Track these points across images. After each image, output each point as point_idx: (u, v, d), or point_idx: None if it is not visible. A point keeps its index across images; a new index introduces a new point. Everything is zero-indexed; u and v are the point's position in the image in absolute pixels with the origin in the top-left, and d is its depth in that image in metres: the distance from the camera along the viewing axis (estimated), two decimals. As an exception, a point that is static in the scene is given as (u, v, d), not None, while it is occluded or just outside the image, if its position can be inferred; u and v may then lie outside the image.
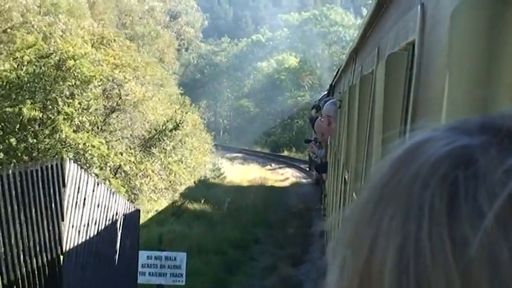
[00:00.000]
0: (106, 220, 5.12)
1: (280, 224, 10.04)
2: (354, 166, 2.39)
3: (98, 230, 4.86)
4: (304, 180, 16.27)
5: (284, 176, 17.67)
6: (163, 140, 10.85)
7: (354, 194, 2.41)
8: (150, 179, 10.36)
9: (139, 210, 7.02)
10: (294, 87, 30.45)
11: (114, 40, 11.09)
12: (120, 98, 10.03)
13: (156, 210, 11.27)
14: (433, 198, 0.28)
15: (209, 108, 36.22)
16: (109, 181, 9.23)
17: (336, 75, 6.62)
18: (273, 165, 20.74)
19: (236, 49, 37.07)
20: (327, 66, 28.65)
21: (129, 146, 10.32)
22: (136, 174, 10.01)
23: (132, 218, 6.28)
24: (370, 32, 2.46)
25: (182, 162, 12.10)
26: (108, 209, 5.14)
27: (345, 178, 3.08)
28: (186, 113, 12.22)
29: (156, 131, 10.92)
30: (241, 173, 17.64)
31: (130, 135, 10.41)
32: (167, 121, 11.19)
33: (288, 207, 11.81)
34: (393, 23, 1.58)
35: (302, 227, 9.65)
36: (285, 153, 24.61)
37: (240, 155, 24.47)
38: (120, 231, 5.60)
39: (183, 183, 12.55)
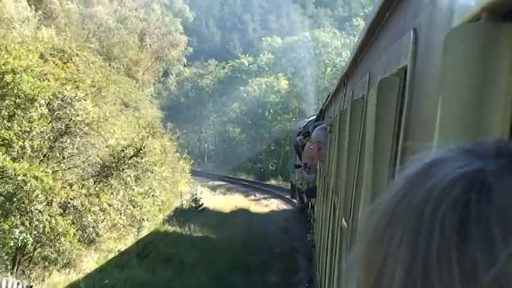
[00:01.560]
0: None
1: (260, 269, 9.33)
2: (344, 190, 2.50)
3: None
4: (289, 213, 15.65)
5: (269, 208, 17.25)
6: (123, 170, 10.03)
7: (343, 219, 2.45)
8: (107, 214, 9.47)
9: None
10: (283, 111, 30.66)
11: (77, 55, 10.30)
12: (71, 119, 9.17)
13: (119, 250, 10.49)
14: (443, 221, 0.30)
15: (194, 133, 36.27)
16: (55, 220, 8.33)
17: (326, 100, 6.88)
18: (257, 195, 20.50)
19: (223, 72, 37.33)
20: (316, 90, 28.56)
21: (82, 177, 9.45)
22: (90, 210, 9.15)
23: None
24: (361, 57, 2.55)
25: (149, 195, 11.27)
26: None
27: (334, 203, 3.20)
28: (148, 137, 11.30)
29: (114, 158, 10.12)
30: (223, 203, 17.06)
31: (83, 162, 9.57)
32: (126, 147, 10.36)
33: (270, 245, 11.15)
34: (385, 48, 1.65)
35: (286, 274, 8.94)
36: (271, 181, 24.34)
37: (223, 183, 24.29)
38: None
39: (151, 218, 11.69)
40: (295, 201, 16.74)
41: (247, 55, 38.16)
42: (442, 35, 0.81)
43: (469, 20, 0.75)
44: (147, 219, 11.50)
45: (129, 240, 11.01)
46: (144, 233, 11.74)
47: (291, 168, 18.60)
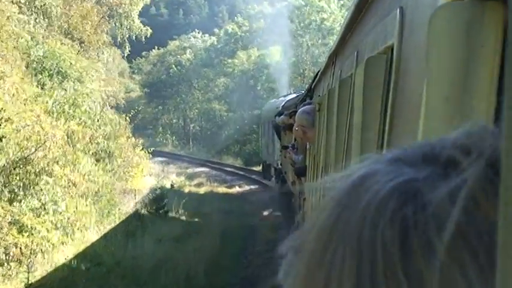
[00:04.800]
0: None
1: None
2: (333, 169, 2.57)
3: None
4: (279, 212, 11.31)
5: (254, 205, 13.66)
6: None
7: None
8: None
9: None
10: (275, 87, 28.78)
11: None
12: None
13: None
14: (384, 239, 0.30)
15: (178, 112, 34.24)
16: None
17: (315, 78, 6.86)
18: (242, 185, 18.09)
19: (209, 43, 34.86)
20: (310, 61, 26.91)
21: None
22: None
23: None
24: (349, 35, 2.60)
25: (47, 211, 7.37)
26: None
27: (324, 181, 3.27)
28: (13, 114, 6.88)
29: None
30: (196, 200, 13.67)
31: None
32: None
33: (247, 276, 7.55)
34: (372, 27, 1.70)
35: None
36: (261, 168, 21.93)
37: (205, 169, 22.20)
38: None
39: (49, 248, 7.30)
40: (268, 184, 15.25)
41: (238, 19, 34.97)
42: (428, 13, 0.80)
43: (454, -2, 0.75)
44: (42, 250, 7.39)
45: (19, 285, 7.11)
46: (48, 269, 7.69)
47: (262, 147, 17.59)
